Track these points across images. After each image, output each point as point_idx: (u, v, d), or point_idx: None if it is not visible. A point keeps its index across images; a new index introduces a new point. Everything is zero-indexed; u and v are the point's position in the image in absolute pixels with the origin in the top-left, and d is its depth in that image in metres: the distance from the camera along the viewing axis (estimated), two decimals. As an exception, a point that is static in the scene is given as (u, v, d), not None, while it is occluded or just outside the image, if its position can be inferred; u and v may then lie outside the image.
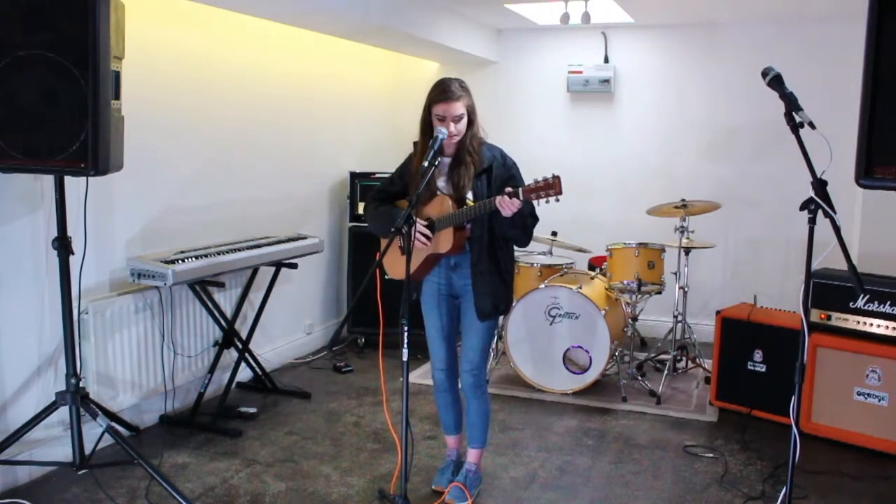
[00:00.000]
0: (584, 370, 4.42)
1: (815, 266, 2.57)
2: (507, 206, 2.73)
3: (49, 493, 3.15)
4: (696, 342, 4.92)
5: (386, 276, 3.10)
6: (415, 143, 3.06)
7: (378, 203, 3.14)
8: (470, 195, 2.94)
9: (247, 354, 4.24)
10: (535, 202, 2.78)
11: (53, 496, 3.12)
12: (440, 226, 2.93)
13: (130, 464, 3.23)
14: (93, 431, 3.20)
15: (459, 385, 3.21)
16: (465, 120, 2.92)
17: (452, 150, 2.98)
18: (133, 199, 3.72)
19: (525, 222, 2.91)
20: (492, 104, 5.81)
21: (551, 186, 2.68)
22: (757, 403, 4.08)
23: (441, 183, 3.00)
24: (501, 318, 4.23)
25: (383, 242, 3.12)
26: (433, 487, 3.25)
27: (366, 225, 5.19)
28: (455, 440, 3.35)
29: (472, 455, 3.26)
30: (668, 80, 5.71)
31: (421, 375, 4.71)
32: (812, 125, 2.35)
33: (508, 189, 2.75)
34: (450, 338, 3.17)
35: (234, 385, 4.26)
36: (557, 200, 2.72)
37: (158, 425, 3.90)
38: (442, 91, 2.89)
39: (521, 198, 2.72)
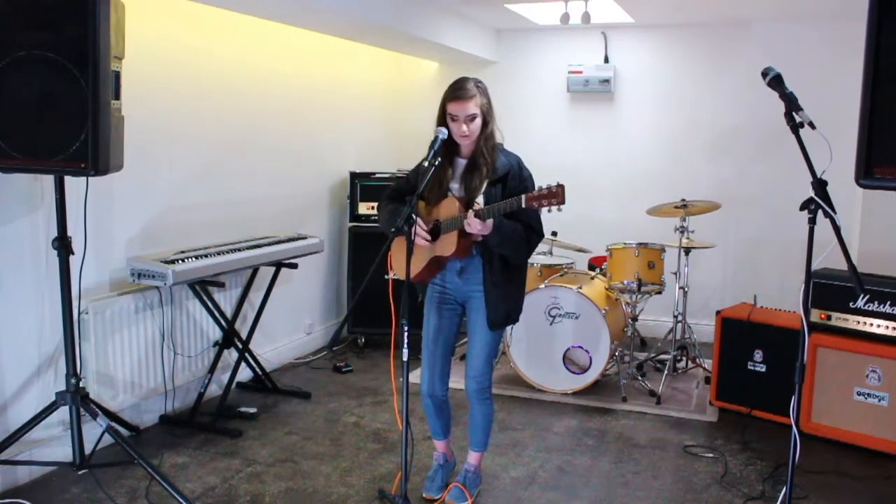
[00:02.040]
0: (584, 370, 4.42)
1: (815, 266, 2.57)
2: (473, 225, 2.71)
3: (49, 493, 3.15)
4: (696, 342, 4.92)
5: (394, 276, 3.08)
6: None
7: (389, 202, 3.12)
8: (480, 199, 2.89)
9: (247, 354, 4.24)
10: (538, 210, 2.72)
11: (53, 496, 3.12)
12: (445, 228, 2.90)
13: (130, 464, 3.23)
14: (93, 431, 3.20)
15: (462, 387, 3.19)
16: (478, 120, 2.88)
17: (468, 151, 2.95)
18: (133, 199, 3.72)
19: (514, 242, 2.85)
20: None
21: (554, 195, 2.62)
22: (757, 403, 4.08)
23: (455, 185, 2.97)
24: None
25: (394, 244, 3.11)
26: (424, 495, 3.21)
27: (366, 225, 5.26)
28: (443, 444, 3.32)
29: (472, 457, 3.26)
30: (668, 80, 5.71)
31: (420, 377, 4.70)
32: (812, 125, 2.35)
33: (478, 206, 2.71)
34: (445, 345, 3.13)
35: (234, 385, 4.26)
36: (559, 210, 2.65)
37: (158, 425, 3.90)
38: (456, 89, 2.86)
39: (524, 205, 2.67)
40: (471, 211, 2.74)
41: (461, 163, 2.98)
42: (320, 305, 5.45)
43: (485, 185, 2.91)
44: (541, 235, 2.96)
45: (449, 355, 3.16)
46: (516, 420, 4.12)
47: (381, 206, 3.14)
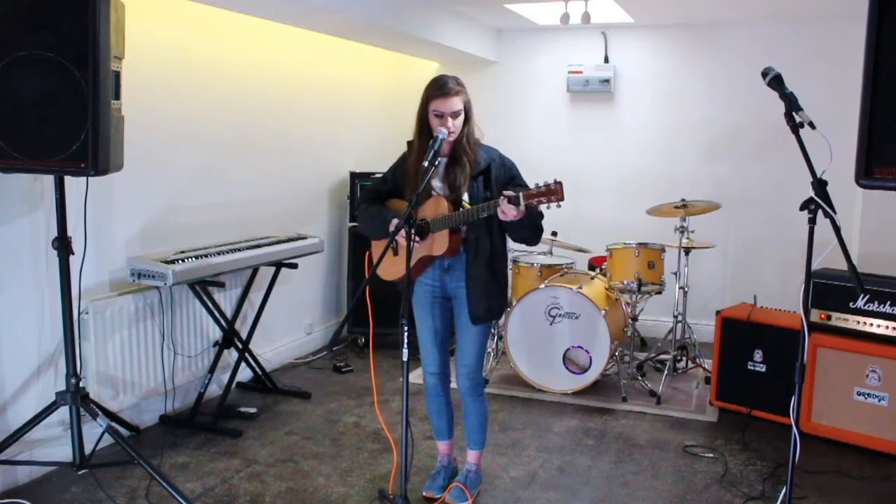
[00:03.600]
0: (584, 370, 4.42)
1: (815, 266, 2.57)
2: (508, 211, 2.68)
3: (49, 493, 3.15)
4: (696, 342, 4.92)
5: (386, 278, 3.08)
6: (409, 143, 3.03)
7: (369, 204, 3.11)
8: (466, 196, 2.91)
9: (247, 354, 4.24)
10: (536, 208, 2.71)
11: (53, 496, 3.12)
12: (436, 227, 2.90)
13: (130, 464, 3.23)
14: (93, 431, 3.20)
15: (455, 385, 3.19)
16: (462, 117, 2.89)
17: (448, 149, 2.94)
18: (133, 199, 3.72)
19: (535, 222, 2.86)
20: (492, 104, 5.82)
21: (553, 192, 2.62)
22: (757, 403, 4.08)
23: (436, 183, 2.97)
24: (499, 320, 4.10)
25: (374, 244, 3.12)
26: (424, 494, 3.21)
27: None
28: (447, 446, 3.31)
29: (472, 456, 3.26)
30: (668, 80, 5.71)
31: (420, 375, 4.69)
32: (812, 125, 2.35)
33: (509, 193, 2.69)
34: (442, 341, 3.14)
35: (234, 385, 4.25)
36: (559, 206, 2.65)
37: (158, 425, 3.90)
38: (439, 87, 2.86)
39: (522, 203, 2.67)
40: (503, 199, 2.70)
41: (442, 161, 2.97)
42: (320, 305, 5.45)
43: (468, 181, 2.91)
44: (541, 214, 2.95)
45: (447, 350, 3.18)
46: (516, 420, 4.12)
47: (361, 209, 3.13)
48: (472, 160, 2.92)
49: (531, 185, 2.72)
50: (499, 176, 2.94)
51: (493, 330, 4.78)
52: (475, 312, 2.98)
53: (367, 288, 2.81)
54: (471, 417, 3.18)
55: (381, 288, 2.95)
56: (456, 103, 2.85)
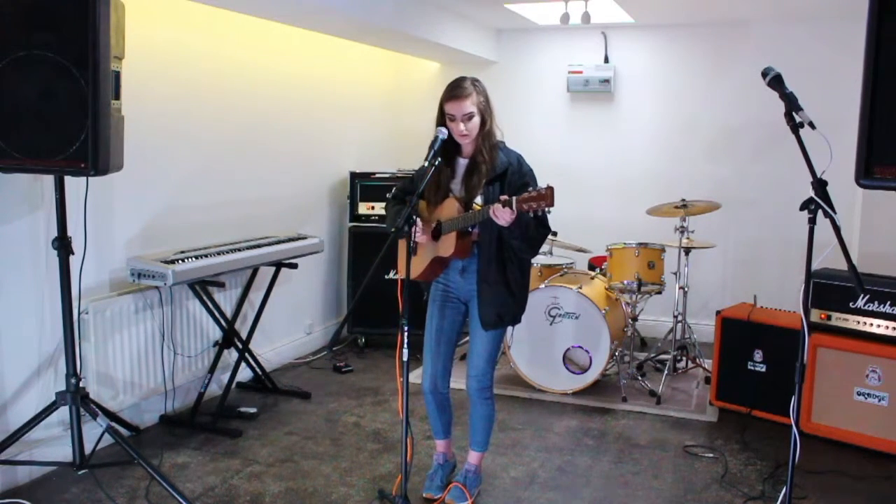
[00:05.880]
0: (584, 370, 4.42)
1: (815, 266, 2.57)
2: (501, 215, 2.67)
3: (49, 493, 3.15)
4: (696, 342, 4.92)
5: (396, 276, 3.07)
6: None
7: (395, 202, 3.14)
8: (479, 199, 2.90)
9: (247, 354, 4.24)
10: (528, 213, 2.67)
11: (53, 496, 3.12)
12: (445, 229, 2.91)
13: (130, 464, 3.23)
14: (93, 431, 3.20)
15: (464, 386, 3.19)
16: (476, 119, 2.88)
17: (469, 151, 2.95)
18: (133, 199, 3.72)
19: (527, 233, 2.81)
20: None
21: (543, 198, 2.60)
22: (757, 403, 4.08)
23: (455, 185, 2.98)
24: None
25: (399, 242, 3.11)
26: (424, 495, 3.21)
27: (366, 225, 5.26)
28: (444, 445, 3.31)
29: (473, 457, 3.26)
30: (668, 80, 5.71)
31: (420, 375, 4.70)
32: (812, 125, 2.35)
33: (503, 197, 2.68)
34: (447, 343, 3.13)
35: (234, 385, 4.26)
36: (549, 212, 2.65)
37: (158, 425, 3.90)
38: (452, 89, 2.87)
39: (514, 207, 2.64)
40: (497, 204, 2.68)
41: (462, 163, 2.99)
42: (320, 305, 5.45)
43: (482, 184, 2.91)
44: (548, 229, 2.93)
45: (451, 353, 3.17)
46: (516, 420, 4.12)
47: (387, 208, 3.18)
48: (487, 163, 2.91)
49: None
50: (512, 181, 2.91)
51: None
52: (485, 318, 2.98)
53: (399, 285, 2.79)
54: (475, 418, 3.19)
55: (382, 287, 2.95)
56: (467, 105, 2.84)
